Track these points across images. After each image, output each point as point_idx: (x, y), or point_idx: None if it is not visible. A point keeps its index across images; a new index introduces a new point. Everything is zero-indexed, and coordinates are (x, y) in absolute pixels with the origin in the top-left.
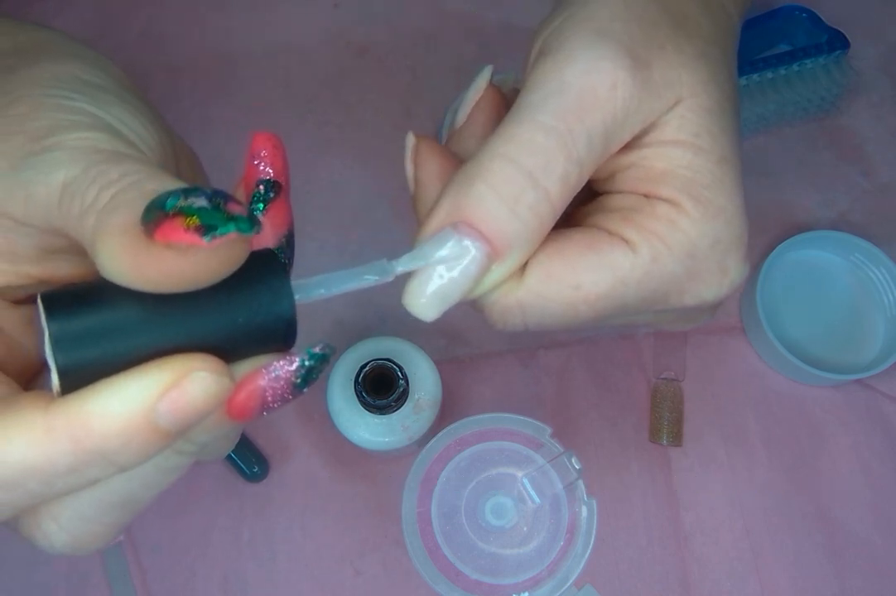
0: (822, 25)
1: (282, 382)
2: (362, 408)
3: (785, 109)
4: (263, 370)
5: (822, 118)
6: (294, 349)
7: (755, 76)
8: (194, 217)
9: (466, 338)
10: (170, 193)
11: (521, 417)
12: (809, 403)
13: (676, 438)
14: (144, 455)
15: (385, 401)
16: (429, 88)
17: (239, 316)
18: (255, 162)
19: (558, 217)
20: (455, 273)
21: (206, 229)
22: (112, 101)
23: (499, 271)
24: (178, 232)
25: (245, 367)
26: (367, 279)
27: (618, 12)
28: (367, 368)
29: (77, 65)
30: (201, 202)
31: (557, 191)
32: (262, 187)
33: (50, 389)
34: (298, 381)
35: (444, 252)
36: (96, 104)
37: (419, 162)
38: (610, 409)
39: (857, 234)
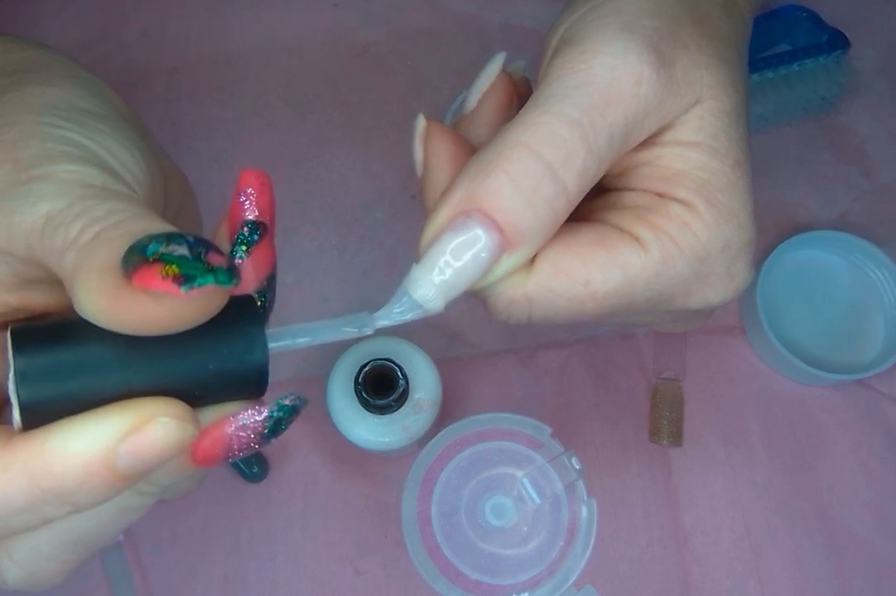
0: (823, 25)
1: (249, 432)
2: (362, 408)
3: (785, 109)
4: (231, 418)
5: (821, 118)
6: (267, 396)
7: (755, 76)
8: (174, 266)
9: (466, 338)
10: (152, 238)
11: (521, 417)
12: (809, 403)
13: (676, 438)
14: (102, 497)
15: (385, 401)
16: (429, 88)
17: (210, 362)
18: (241, 199)
19: (572, 211)
20: (464, 262)
21: (185, 279)
22: (105, 131)
23: (508, 262)
24: (156, 279)
25: (213, 413)
26: (346, 331)
27: (645, 7)
28: (367, 368)
29: (74, 90)
30: (182, 250)
31: (575, 185)
32: (246, 229)
33: (12, 423)
34: (266, 431)
35: (453, 244)
36: (88, 135)
37: (429, 146)
38: (610, 409)
39: (858, 234)
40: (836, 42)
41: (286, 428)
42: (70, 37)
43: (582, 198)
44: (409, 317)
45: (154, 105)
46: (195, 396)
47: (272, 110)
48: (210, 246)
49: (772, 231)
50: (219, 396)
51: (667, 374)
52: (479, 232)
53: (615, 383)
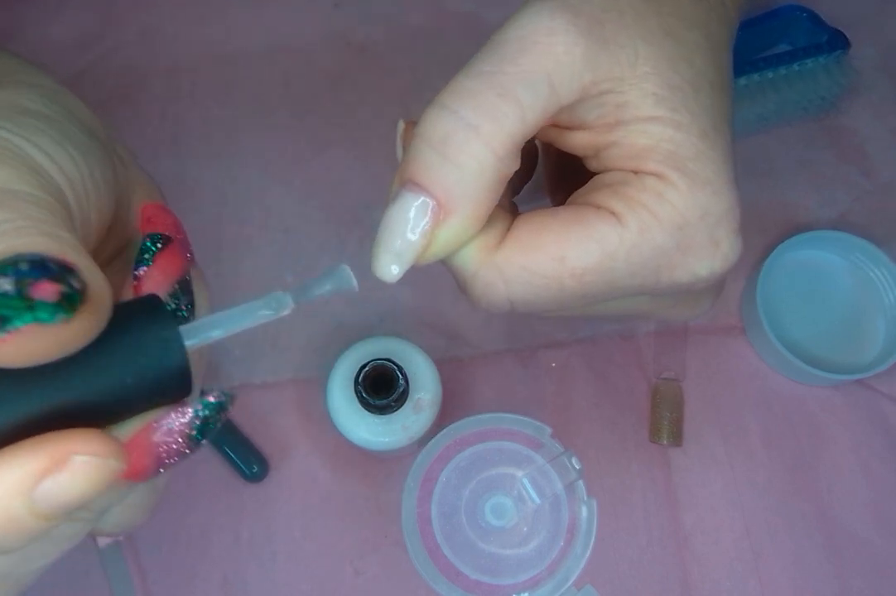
0: (823, 25)
1: (176, 436)
2: (362, 408)
3: (785, 109)
4: (154, 425)
5: (822, 118)
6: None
7: (755, 76)
8: None
9: (466, 338)
10: None
11: (521, 417)
12: (809, 403)
13: (676, 438)
14: (25, 540)
15: (385, 401)
16: (429, 88)
17: (127, 375)
18: (146, 223)
19: (506, 164)
20: (407, 231)
21: (2, 321)
22: (41, 128)
23: (451, 225)
24: None
25: (135, 423)
26: (264, 314)
27: None
28: (367, 368)
29: (20, 90)
30: (5, 286)
31: (489, 129)
32: (148, 240)
33: None
34: (194, 432)
35: (394, 214)
36: (17, 131)
37: (406, 145)
38: (610, 409)
39: (858, 234)
40: (836, 42)
41: (216, 427)
42: (69, 37)
43: (511, 147)
44: (325, 290)
45: (153, 105)
46: (117, 412)
47: (272, 110)
48: (45, 272)
49: (772, 231)
50: (143, 405)
51: (667, 374)
52: (411, 198)
53: (615, 383)
